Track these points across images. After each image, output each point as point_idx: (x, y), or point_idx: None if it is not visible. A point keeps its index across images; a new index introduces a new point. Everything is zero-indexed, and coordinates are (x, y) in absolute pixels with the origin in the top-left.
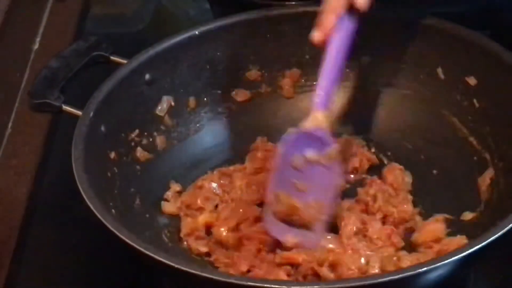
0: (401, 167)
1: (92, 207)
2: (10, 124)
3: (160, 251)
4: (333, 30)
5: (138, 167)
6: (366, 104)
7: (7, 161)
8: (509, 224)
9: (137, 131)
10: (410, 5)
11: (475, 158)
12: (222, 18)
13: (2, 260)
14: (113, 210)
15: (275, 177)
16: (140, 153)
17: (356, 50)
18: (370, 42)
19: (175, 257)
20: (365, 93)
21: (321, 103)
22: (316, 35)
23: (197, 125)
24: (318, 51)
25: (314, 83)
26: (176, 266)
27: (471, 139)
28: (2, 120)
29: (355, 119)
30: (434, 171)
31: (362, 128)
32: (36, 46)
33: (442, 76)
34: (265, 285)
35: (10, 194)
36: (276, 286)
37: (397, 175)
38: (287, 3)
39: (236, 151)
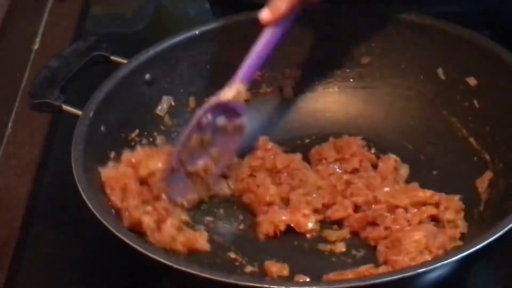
0: (398, 158)
1: (91, 208)
2: (10, 124)
3: (160, 251)
4: (281, 16)
5: None
6: (366, 104)
7: (7, 161)
8: (509, 224)
9: (137, 131)
10: (410, 5)
11: (475, 158)
12: (222, 18)
13: (2, 260)
14: (112, 210)
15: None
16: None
17: (356, 50)
18: (370, 42)
19: (175, 257)
20: (365, 93)
21: (243, 77)
22: (265, 14)
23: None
24: (317, 51)
25: (314, 83)
26: (176, 266)
27: (471, 139)
28: (2, 120)
29: (355, 119)
30: (434, 172)
31: (362, 128)
32: (36, 46)
33: (442, 76)
34: (265, 285)
35: (10, 194)
36: (277, 286)
37: (390, 165)
38: None
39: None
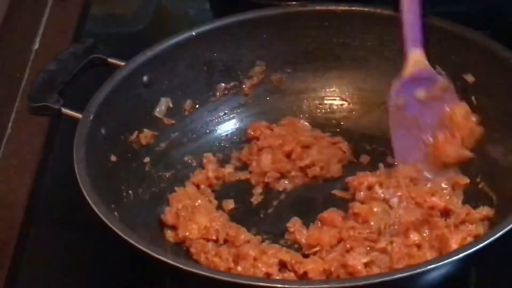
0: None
1: (97, 211)
2: (10, 124)
3: (162, 251)
4: None
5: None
6: (363, 103)
7: (7, 161)
8: (509, 224)
9: (136, 133)
10: None
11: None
12: (219, 19)
13: (2, 260)
14: (115, 213)
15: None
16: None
17: (352, 48)
18: (366, 40)
19: (177, 257)
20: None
21: (414, 41)
22: None
23: (196, 126)
24: (317, 51)
25: (314, 82)
26: (178, 265)
27: None
28: (2, 120)
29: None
30: None
31: (359, 125)
32: (36, 46)
33: (441, 73)
34: (265, 284)
35: (10, 194)
36: (277, 285)
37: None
38: (286, 3)
39: (237, 151)
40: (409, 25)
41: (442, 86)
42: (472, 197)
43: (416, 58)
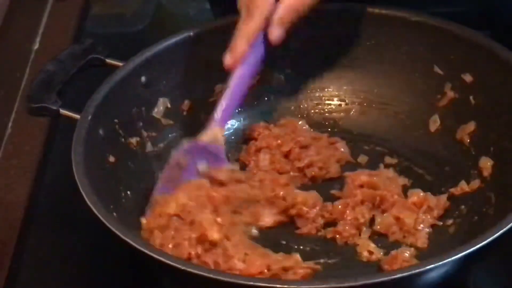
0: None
1: (95, 211)
2: (10, 124)
3: (162, 252)
4: (244, 56)
5: (136, 168)
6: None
7: (7, 161)
8: (509, 224)
9: (134, 133)
10: (410, 5)
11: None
12: (218, 19)
13: (2, 260)
14: (114, 213)
15: (163, 179)
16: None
17: (351, 48)
18: (365, 40)
19: (176, 257)
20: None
21: (220, 120)
22: (227, 59)
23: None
24: (315, 51)
25: (312, 83)
26: (177, 266)
27: None
28: (2, 120)
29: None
30: (429, 167)
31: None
32: (36, 46)
33: (438, 73)
34: (265, 285)
35: (10, 194)
36: (276, 286)
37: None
38: None
39: (235, 151)
40: (224, 105)
41: (224, 170)
42: (470, 197)
43: (217, 133)
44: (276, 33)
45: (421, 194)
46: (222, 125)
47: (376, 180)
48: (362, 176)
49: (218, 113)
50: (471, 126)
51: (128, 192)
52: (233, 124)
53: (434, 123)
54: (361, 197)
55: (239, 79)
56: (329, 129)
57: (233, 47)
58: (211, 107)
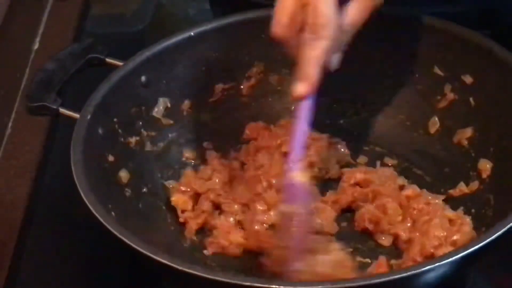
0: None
1: (93, 211)
2: (10, 124)
3: (161, 252)
4: (317, 84)
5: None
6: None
7: (7, 161)
8: (509, 224)
9: (134, 133)
10: (410, 5)
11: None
12: (218, 19)
13: (2, 260)
14: (112, 213)
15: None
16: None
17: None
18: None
19: (177, 257)
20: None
21: (297, 167)
22: (301, 89)
23: (195, 126)
24: None
25: None
26: (176, 266)
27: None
28: (2, 121)
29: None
30: (430, 168)
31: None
32: (36, 46)
33: (438, 74)
34: (265, 285)
35: (10, 194)
36: (276, 286)
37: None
38: None
39: (235, 151)
40: (298, 145)
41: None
42: (469, 199)
43: (299, 176)
44: (337, 58)
45: (417, 190)
46: (301, 169)
47: (371, 177)
48: (358, 173)
49: (292, 162)
50: (468, 131)
51: (127, 192)
52: (233, 124)
53: (434, 124)
54: (352, 198)
55: (308, 110)
56: (329, 130)
57: (304, 75)
58: (211, 107)
